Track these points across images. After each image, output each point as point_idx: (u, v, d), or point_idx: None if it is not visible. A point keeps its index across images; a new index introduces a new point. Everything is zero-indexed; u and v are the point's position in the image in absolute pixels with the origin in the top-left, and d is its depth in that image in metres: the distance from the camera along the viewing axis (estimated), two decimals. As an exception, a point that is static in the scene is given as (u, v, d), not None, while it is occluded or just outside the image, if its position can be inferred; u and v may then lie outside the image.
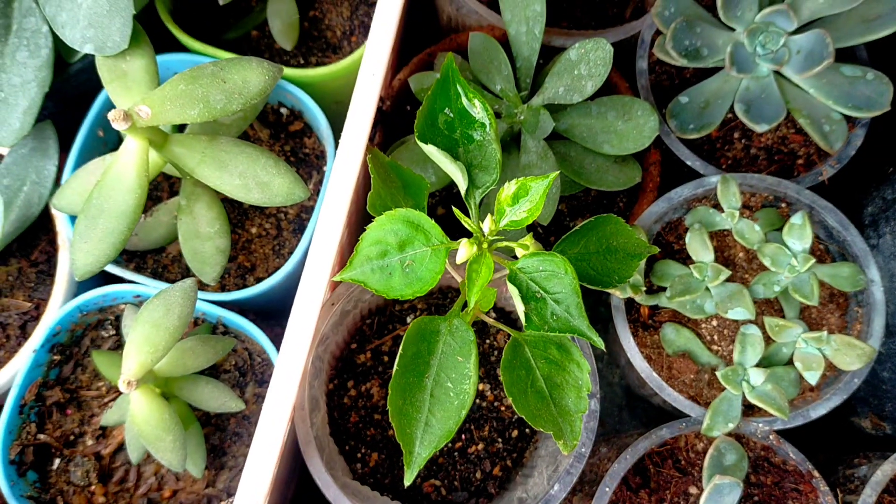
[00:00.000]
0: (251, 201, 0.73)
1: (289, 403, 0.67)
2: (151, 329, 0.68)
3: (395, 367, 0.60)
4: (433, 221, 0.62)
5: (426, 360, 0.61)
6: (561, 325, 0.60)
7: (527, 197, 0.62)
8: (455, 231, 0.81)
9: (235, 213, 0.87)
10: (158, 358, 0.68)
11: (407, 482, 0.59)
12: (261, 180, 0.73)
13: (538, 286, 0.61)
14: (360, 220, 0.84)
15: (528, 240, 0.63)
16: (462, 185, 0.66)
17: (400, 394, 0.60)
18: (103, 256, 0.70)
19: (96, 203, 0.70)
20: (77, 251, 0.70)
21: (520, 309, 0.60)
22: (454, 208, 0.64)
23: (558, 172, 0.62)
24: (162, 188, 0.88)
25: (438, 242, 0.62)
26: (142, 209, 0.70)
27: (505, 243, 0.63)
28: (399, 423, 0.60)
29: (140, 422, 0.70)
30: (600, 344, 0.59)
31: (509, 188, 0.63)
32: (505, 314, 0.86)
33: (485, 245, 0.63)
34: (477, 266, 0.62)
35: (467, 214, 0.66)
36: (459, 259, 0.62)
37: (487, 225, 0.63)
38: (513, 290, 0.61)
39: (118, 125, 0.65)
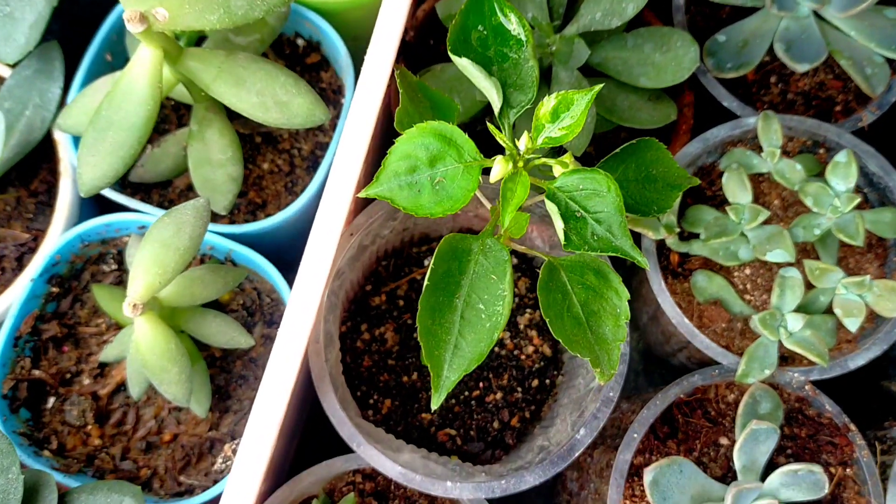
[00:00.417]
0: (269, 122, 0.69)
1: (304, 334, 0.63)
2: (161, 249, 0.63)
3: (425, 283, 0.56)
4: (467, 137, 0.58)
5: (457, 280, 0.57)
6: (602, 245, 0.56)
7: (568, 112, 0.58)
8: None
9: (247, 147, 0.83)
10: (167, 280, 0.64)
11: (434, 406, 0.55)
12: (279, 99, 0.69)
13: (578, 205, 0.57)
14: (377, 157, 0.80)
15: (568, 157, 0.59)
16: (496, 103, 0.63)
17: (429, 313, 0.56)
18: (111, 171, 0.66)
19: (105, 115, 0.66)
20: (84, 165, 0.66)
21: (559, 227, 0.56)
22: (488, 123, 0.60)
23: (602, 85, 0.58)
24: (170, 120, 0.84)
25: (472, 159, 0.58)
26: (153, 123, 0.66)
27: (543, 160, 0.59)
28: (427, 345, 0.56)
29: (144, 350, 0.66)
30: (645, 264, 0.55)
31: (549, 103, 0.59)
32: (527, 260, 0.83)
33: (520, 163, 0.59)
34: (512, 185, 0.58)
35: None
36: (493, 177, 0.58)
37: (523, 143, 0.59)
38: (551, 208, 0.57)
39: (133, 26, 0.61)
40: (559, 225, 0.56)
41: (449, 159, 0.58)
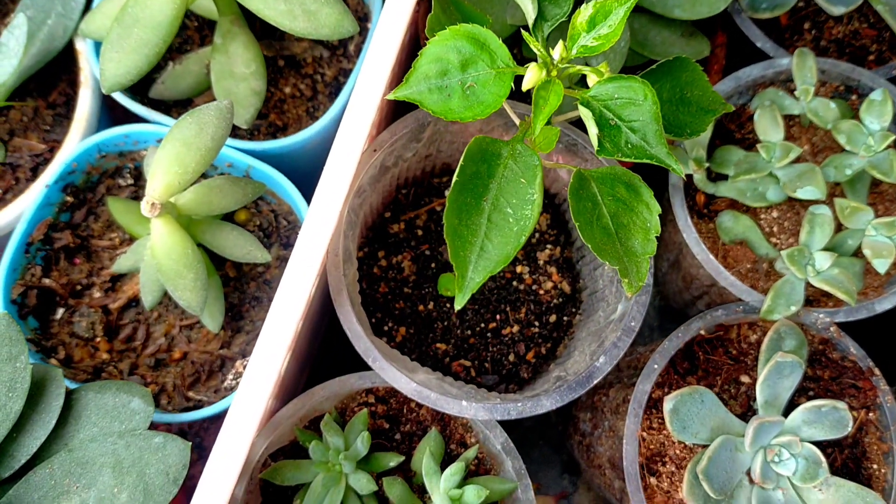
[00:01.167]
0: (296, 31, 0.68)
1: (323, 243, 0.62)
2: (182, 147, 0.62)
3: (454, 180, 0.55)
4: (500, 42, 0.57)
5: (485, 183, 0.56)
6: (636, 153, 0.54)
7: (605, 21, 0.57)
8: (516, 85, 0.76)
9: (270, 70, 0.81)
10: (187, 181, 0.63)
11: (458, 306, 0.54)
12: (308, 8, 0.67)
13: (613, 114, 0.56)
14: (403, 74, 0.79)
15: (604, 67, 0.58)
16: (531, 14, 0.61)
17: (456, 213, 0.55)
18: (134, 68, 0.65)
19: (131, 12, 0.65)
20: (107, 61, 0.65)
21: (592, 133, 0.55)
22: (522, 31, 0.59)
23: (642, -7, 0.57)
24: (193, 41, 0.83)
25: (504, 65, 0.57)
26: (179, 22, 0.65)
27: (577, 67, 0.58)
28: (453, 244, 0.54)
29: (160, 254, 0.64)
30: (680, 172, 0.54)
31: (586, 12, 0.57)
32: (549, 196, 0.81)
33: (554, 72, 0.58)
34: (544, 92, 0.57)
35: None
36: (526, 84, 0.57)
37: (558, 51, 0.58)
38: (585, 115, 0.56)
39: (164, -81, 0.60)
40: (593, 131, 0.55)
41: (481, 64, 0.57)
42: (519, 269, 0.78)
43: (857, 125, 0.70)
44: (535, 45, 0.59)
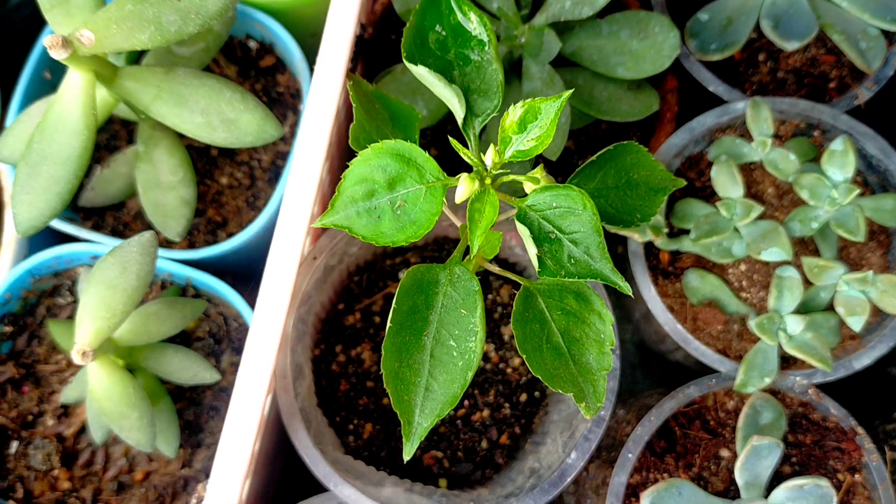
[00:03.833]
0: (216, 142, 0.64)
1: (267, 369, 0.59)
2: (106, 291, 0.59)
3: (388, 324, 0.51)
4: (427, 155, 0.53)
5: (424, 316, 0.53)
6: (580, 270, 0.51)
7: (536, 122, 0.53)
8: (452, 170, 0.72)
9: (203, 161, 0.78)
10: (116, 324, 0.59)
11: (406, 456, 0.51)
12: (226, 117, 0.63)
13: (552, 225, 0.52)
14: (342, 163, 0.75)
15: (539, 172, 0.54)
16: (459, 112, 0.57)
17: (395, 355, 0.51)
18: (48, 209, 0.61)
19: (38, 148, 0.61)
20: (18, 204, 0.61)
21: (531, 252, 0.52)
22: (451, 138, 0.55)
23: (571, 91, 0.53)
24: (120, 136, 0.79)
25: (434, 179, 0.53)
26: (90, 153, 0.61)
27: (511, 177, 0.54)
28: (395, 390, 0.51)
29: (101, 398, 0.61)
30: (627, 290, 0.51)
31: (515, 112, 0.54)
32: (509, 266, 0.78)
33: (488, 180, 0.54)
34: (479, 205, 0.53)
35: (466, 147, 0.57)
36: (459, 198, 0.53)
37: (490, 157, 0.54)
38: (522, 231, 0.52)
39: (56, 53, 0.56)
40: (532, 250, 0.52)
41: (409, 181, 0.53)
42: (485, 347, 0.75)
43: (820, 178, 0.66)
44: (466, 154, 0.55)
